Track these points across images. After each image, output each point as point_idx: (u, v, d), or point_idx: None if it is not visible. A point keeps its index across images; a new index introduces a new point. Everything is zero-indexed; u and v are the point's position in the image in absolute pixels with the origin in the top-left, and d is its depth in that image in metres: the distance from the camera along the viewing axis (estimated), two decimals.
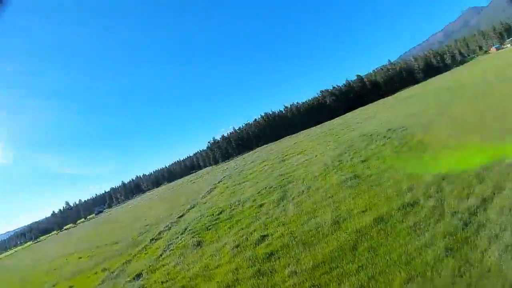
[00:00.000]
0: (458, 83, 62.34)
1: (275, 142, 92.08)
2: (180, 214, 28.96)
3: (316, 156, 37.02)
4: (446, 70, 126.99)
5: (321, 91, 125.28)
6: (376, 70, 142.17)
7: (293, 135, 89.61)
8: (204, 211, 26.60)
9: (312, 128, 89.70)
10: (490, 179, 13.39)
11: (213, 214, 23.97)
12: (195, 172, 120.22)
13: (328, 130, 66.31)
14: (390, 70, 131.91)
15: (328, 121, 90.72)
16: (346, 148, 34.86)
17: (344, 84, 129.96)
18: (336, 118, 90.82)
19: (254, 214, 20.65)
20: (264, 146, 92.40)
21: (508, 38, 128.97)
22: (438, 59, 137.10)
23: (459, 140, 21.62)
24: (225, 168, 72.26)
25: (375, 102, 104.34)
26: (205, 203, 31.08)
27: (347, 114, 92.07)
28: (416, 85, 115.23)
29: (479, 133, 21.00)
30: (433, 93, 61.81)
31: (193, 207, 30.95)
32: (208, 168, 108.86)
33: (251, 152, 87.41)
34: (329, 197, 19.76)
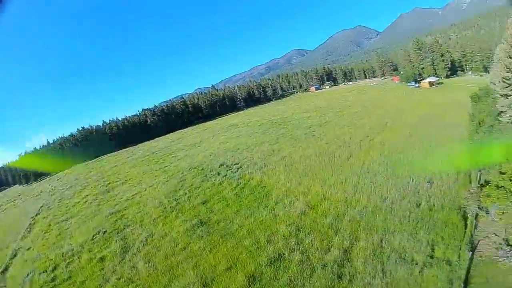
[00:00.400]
0: (281, 117, 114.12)
1: (93, 160, 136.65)
2: (2, 267, 39.77)
3: (145, 189, 55.54)
4: (267, 102, 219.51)
5: (143, 109, 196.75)
6: (199, 93, 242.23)
7: (112, 153, 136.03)
8: (32, 264, 36.90)
9: (132, 148, 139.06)
10: (343, 230, 25.66)
11: (46, 271, 33.23)
12: (3, 189, 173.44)
13: (151, 154, 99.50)
14: (214, 96, 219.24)
15: (149, 142, 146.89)
16: (179, 183, 53.14)
17: (166, 104, 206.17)
18: (158, 139, 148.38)
19: (99, 272, 29.25)
20: (82, 164, 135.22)
21: (328, 81, 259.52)
22: (261, 90, 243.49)
23: (299, 185, 39.54)
24: (40, 191, 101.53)
25: (197, 126, 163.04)
26: (29, 248, 43.39)
27: (168, 136, 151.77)
28: (237, 113, 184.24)
29: (315, 179, 40.52)
30: (258, 126, 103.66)
31: (15, 255, 43.26)
32: (18, 188, 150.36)
33: (66, 171, 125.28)
34: (181, 249, 28.79)
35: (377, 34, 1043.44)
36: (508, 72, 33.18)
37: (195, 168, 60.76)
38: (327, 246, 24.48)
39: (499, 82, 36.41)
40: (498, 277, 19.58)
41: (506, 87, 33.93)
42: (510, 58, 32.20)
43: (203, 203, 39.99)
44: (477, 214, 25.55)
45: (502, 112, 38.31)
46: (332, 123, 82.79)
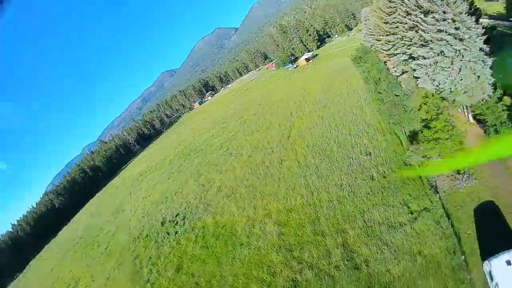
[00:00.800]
0: (185, 147, 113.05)
1: (23, 272, 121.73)
2: None
3: (105, 284, 50.88)
4: (159, 135, 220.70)
5: (45, 194, 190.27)
6: (89, 153, 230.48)
7: (38, 256, 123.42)
8: None
9: (54, 240, 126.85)
10: (328, 229, 30.26)
11: None
12: None
13: (80, 240, 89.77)
14: (107, 150, 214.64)
15: (67, 225, 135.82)
16: (135, 261, 50.27)
17: (66, 179, 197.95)
18: (74, 219, 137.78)
19: None
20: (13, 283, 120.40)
21: (208, 92, 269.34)
22: (148, 126, 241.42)
23: (255, 210, 42.46)
24: None
25: (106, 189, 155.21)
26: None
27: (83, 211, 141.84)
28: (137, 158, 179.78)
29: (266, 196, 43.82)
30: (168, 165, 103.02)
31: None
32: None
33: None
34: None
35: (236, 31, 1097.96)
36: (389, 35, 40.96)
37: (138, 237, 58.19)
38: (326, 250, 28.04)
39: (384, 44, 44.15)
40: (466, 199, 26.37)
41: (391, 48, 41.64)
42: (387, 23, 39.87)
43: (178, 271, 39.44)
44: (422, 163, 31.63)
45: (391, 68, 46.51)
46: (240, 133, 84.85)
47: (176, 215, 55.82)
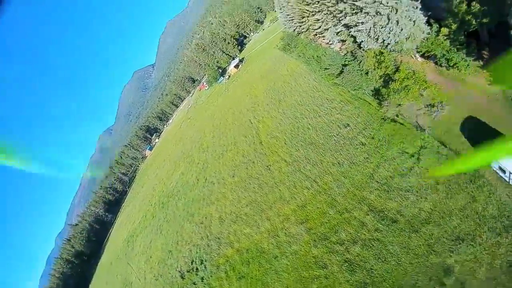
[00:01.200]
0: (160, 196, 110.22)
1: None
2: None
3: None
4: (125, 196, 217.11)
5: None
6: (65, 241, 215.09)
7: None
8: None
9: None
10: (349, 205, 32.28)
11: None
12: None
13: None
14: (81, 231, 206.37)
15: None
16: None
17: (54, 276, 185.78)
18: None
19: None
20: None
21: (152, 136, 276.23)
22: (112, 192, 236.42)
23: (269, 221, 44.13)
24: None
25: (99, 269, 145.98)
26: None
27: None
28: (115, 227, 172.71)
29: (273, 204, 45.45)
30: (152, 219, 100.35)
31: None
32: None
33: None
34: None
35: (153, 67, 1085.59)
36: (315, 14, 45.14)
37: None
38: (359, 222, 31.38)
39: (313, 23, 48.01)
40: (448, 124, 31.81)
41: (322, 24, 45.66)
42: (309, 4, 43.88)
43: None
44: (398, 112, 35.76)
45: (324, 43, 50.63)
46: (210, 160, 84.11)
47: (192, 262, 54.51)
